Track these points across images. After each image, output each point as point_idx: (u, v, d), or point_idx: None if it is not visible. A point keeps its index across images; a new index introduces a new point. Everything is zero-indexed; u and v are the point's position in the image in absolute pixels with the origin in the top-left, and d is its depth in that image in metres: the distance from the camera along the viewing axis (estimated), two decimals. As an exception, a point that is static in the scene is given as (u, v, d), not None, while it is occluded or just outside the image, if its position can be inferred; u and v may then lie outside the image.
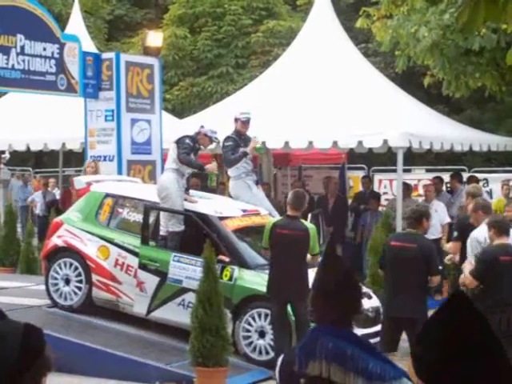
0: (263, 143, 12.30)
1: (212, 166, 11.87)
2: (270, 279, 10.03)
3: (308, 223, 10.37)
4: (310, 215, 11.67)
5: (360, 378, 3.14)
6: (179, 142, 11.49)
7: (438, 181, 16.47)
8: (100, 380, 9.90)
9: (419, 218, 9.63)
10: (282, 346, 9.56)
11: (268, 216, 11.83)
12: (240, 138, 12.22)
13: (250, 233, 11.57)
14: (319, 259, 9.32)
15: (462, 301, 2.37)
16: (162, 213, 11.44)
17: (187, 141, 11.47)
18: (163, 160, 14.10)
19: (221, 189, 15.99)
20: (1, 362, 2.36)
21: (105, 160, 14.20)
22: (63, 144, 17.84)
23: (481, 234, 9.70)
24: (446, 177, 16.99)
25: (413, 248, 9.39)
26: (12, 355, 2.37)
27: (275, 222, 10.26)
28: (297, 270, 9.88)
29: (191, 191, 12.06)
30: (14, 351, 2.37)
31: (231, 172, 12.28)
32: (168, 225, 11.33)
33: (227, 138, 12.25)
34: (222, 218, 11.21)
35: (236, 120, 12.37)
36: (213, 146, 12.85)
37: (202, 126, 11.81)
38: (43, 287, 12.07)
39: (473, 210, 10.14)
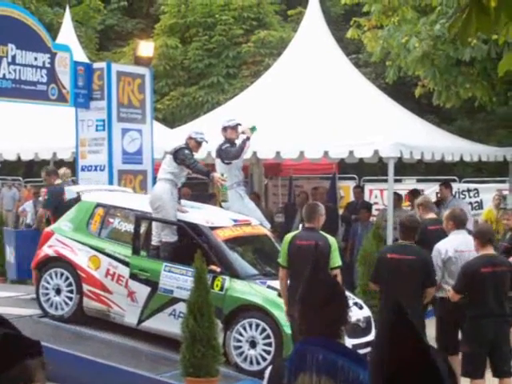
0: (254, 127, 12.24)
1: (218, 176, 11.75)
2: (290, 292, 9.46)
3: (328, 235, 9.87)
4: (300, 226, 11.65)
5: (351, 390, 3.14)
6: (179, 154, 11.43)
7: (413, 194, 15.88)
8: (90, 390, 9.88)
9: (416, 229, 9.64)
10: None
11: (259, 226, 11.83)
12: (232, 146, 12.21)
13: (241, 243, 11.57)
14: (338, 273, 9.06)
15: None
16: (154, 223, 11.43)
17: (186, 151, 11.47)
18: (154, 170, 14.09)
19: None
20: None
21: (96, 170, 14.18)
22: (54, 154, 17.83)
23: (443, 247, 9.73)
24: (437, 187, 17.00)
25: (413, 259, 9.39)
26: None
27: (293, 234, 9.93)
28: None
29: (182, 201, 12.05)
30: None
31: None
32: (161, 235, 11.30)
33: (221, 144, 12.25)
34: (213, 228, 11.20)
35: (225, 129, 12.33)
36: (203, 152, 12.72)
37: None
38: (34, 297, 12.04)
39: (446, 217, 10.16)
